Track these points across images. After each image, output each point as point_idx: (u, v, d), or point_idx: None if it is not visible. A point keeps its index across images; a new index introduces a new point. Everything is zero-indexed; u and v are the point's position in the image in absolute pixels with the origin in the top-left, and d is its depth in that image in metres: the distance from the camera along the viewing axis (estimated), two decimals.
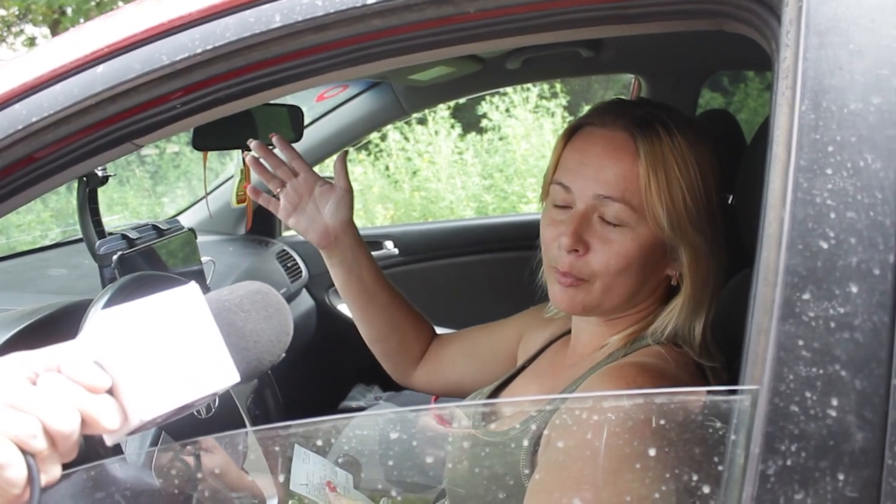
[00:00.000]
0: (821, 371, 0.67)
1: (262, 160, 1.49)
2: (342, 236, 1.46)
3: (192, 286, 0.75)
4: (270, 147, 1.52)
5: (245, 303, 0.84)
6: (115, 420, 0.69)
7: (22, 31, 10.95)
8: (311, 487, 1.21)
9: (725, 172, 1.17)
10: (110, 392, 0.69)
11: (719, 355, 1.13)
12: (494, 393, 1.36)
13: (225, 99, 0.94)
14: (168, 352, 0.71)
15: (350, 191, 1.47)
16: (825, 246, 0.68)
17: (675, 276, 1.16)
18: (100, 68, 0.91)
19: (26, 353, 0.69)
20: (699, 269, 1.12)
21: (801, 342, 0.67)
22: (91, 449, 1.09)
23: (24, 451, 0.65)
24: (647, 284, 1.16)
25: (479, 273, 3.00)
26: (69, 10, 9.74)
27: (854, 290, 0.67)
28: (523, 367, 1.37)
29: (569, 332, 1.33)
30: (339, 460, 1.31)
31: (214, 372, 0.74)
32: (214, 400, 1.50)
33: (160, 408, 0.70)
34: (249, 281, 0.89)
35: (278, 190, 1.48)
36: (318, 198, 1.46)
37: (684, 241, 1.11)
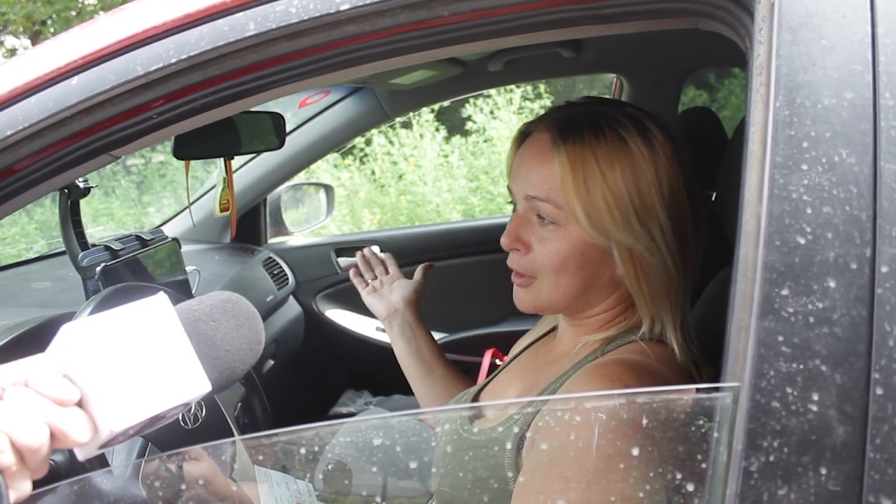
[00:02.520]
0: (801, 366, 0.67)
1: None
2: (404, 311, 1.67)
3: (161, 296, 0.75)
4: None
5: (215, 312, 0.84)
6: (84, 433, 0.68)
7: (2, 42, 10.90)
8: None
9: (691, 171, 1.16)
10: (80, 405, 0.69)
11: (699, 353, 1.13)
12: (478, 394, 1.36)
13: (202, 108, 0.94)
14: (137, 362, 0.71)
15: (421, 283, 1.71)
16: (802, 241, 0.69)
17: (620, 273, 1.15)
18: (74, 80, 0.90)
19: None
20: (635, 267, 1.12)
21: (780, 338, 0.68)
22: (78, 463, 1.08)
23: None
24: (596, 282, 1.16)
25: (467, 275, 3.00)
26: (50, 21, 9.70)
27: (832, 284, 0.68)
28: (506, 366, 1.38)
29: (552, 331, 1.35)
30: (329, 467, 1.30)
31: (185, 381, 0.73)
32: (201, 409, 1.49)
33: (130, 419, 0.70)
34: (219, 291, 0.89)
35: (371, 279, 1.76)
36: (395, 285, 1.71)
37: (609, 238, 1.11)
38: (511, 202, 1.23)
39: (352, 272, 1.79)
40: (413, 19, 0.85)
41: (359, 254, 1.80)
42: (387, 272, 1.76)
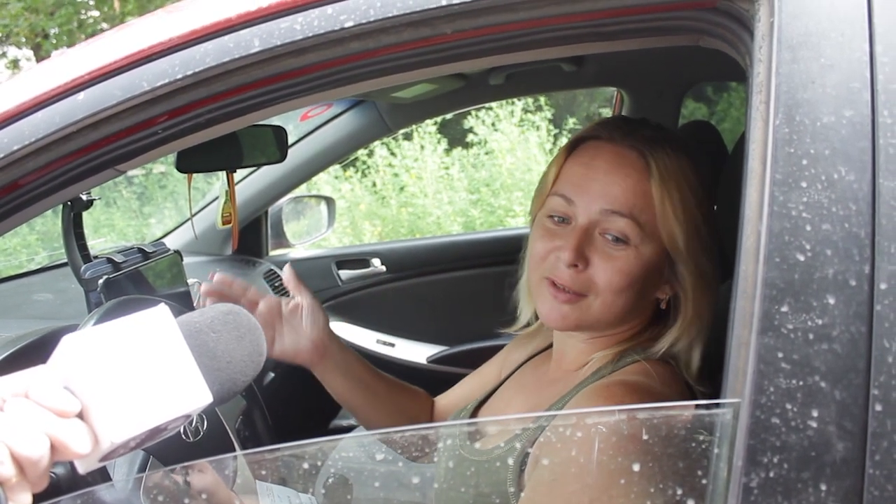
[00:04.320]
0: (801, 383, 0.68)
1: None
2: (329, 344, 1.41)
3: (162, 308, 0.75)
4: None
5: (216, 324, 0.84)
6: (85, 444, 0.68)
7: (4, 53, 10.94)
8: None
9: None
10: (80, 416, 0.69)
11: (708, 381, 1.13)
12: (477, 409, 1.36)
13: (206, 123, 0.95)
14: (138, 374, 0.71)
15: (314, 297, 1.42)
16: (802, 258, 0.69)
17: (665, 298, 1.16)
18: (81, 95, 0.91)
19: None
20: (701, 289, 1.12)
21: (780, 354, 0.68)
22: (80, 476, 1.09)
23: None
24: (640, 302, 1.15)
25: (467, 288, 3.00)
26: (52, 33, 9.73)
27: (831, 301, 0.68)
28: (504, 382, 1.37)
29: (550, 346, 1.33)
30: (329, 481, 1.30)
31: (186, 393, 0.73)
32: (203, 422, 1.49)
33: (131, 430, 0.70)
34: (221, 303, 0.89)
35: None
36: (288, 319, 1.39)
37: (692, 260, 1.11)
38: (555, 217, 1.15)
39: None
40: (417, 36, 0.86)
41: (204, 289, 1.41)
42: (255, 305, 1.37)
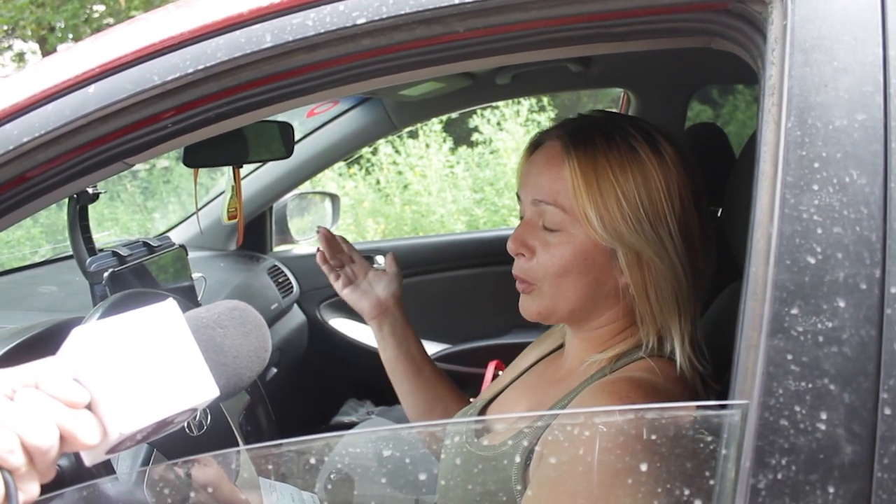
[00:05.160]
0: (810, 385, 0.68)
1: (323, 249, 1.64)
2: (393, 309, 1.60)
3: (170, 302, 0.75)
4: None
5: (223, 319, 0.85)
6: (94, 435, 0.68)
7: (10, 46, 10.94)
8: None
9: (701, 183, 1.17)
10: (89, 408, 0.69)
11: (706, 364, 1.13)
12: (485, 408, 1.36)
13: (216, 118, 0.95)
14: (146, 367, 0.71)
15: (400, 275, 1.62)
16: (812, 261, 0.69)
17: (627, 284, 1.15)
18: (91, 88, 0.91)
19: (4, 370, 0.69)
20: (643, 272, 1.13)
21: (789, 356, 0.68)
22: (84, 469, 1.09)
23: (0, 468, 0.65)
24: (599, 289, 1.17)
25: (470, 287, 3.00)
26: (58, 27, 9.74)
27: (841, 304, 0.68)
28: (512, 383, 1.38)
29: (559, 347, 1.35)
30: (332, 477, 1.30)
31: (194, 386, 0.74)
32: (207, 416, 1.50)
33: (139, 422, 0.70)
34: (227, 299, 0.90)
35: (337, 270, 1.63)
36: (371, 279, 1.61)
37: (620, 241, 1.12)
38: (520, 216, 1.24)
39: (319, 257, 1.64)
40: (429, 34, 0.86)
41: (319, 233, 1.65)
42: (351, 260, 1.63)
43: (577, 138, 1.15)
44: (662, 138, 1.15)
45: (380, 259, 2.96)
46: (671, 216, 1.12)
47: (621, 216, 1.10)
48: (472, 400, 1.60)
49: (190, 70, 0.89)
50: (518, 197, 1.24)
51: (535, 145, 1.23)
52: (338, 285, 1.61)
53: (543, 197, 1.16)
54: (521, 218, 1.23)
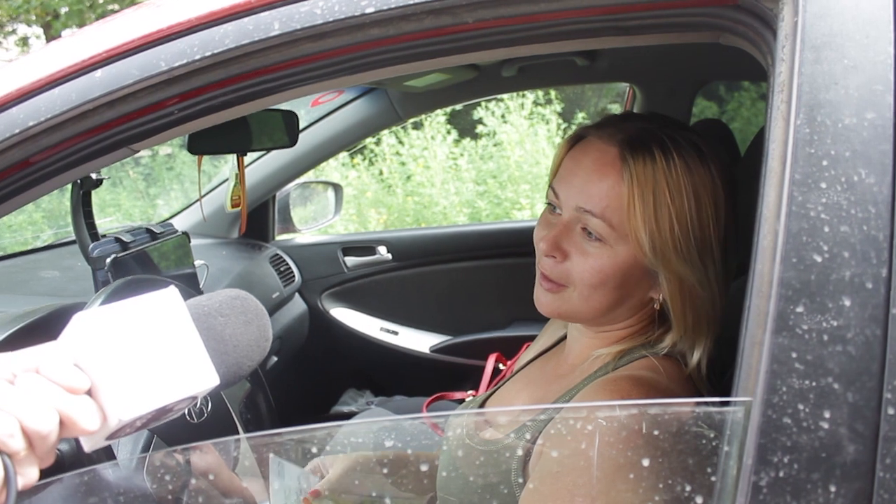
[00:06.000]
0: (813, 383, 0.67)
1: None
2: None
3: (172, 290, 0.75)
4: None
5: (224, 308, 0.85)
6: (93, 421, 0.69)
7: (14, 30, 10.92)
8: None
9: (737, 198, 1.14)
10: (89, 394, 0.69)
11: (712, 373, 1.13)
12: (485, 401, 1.36)
13: (222, 105, 0.94)
14: (147, 354, 0.71)
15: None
16: (819, 259, 0.69)
17: (658, 300, 1.14)
18: (98, 73, 0.91)
19: (4, 355, 0.69)
20: (683, 299, 1.10)
21: (794, 354, 0.68)
22: (84, 455, 1.09)
23: (0, 452, 0.65)
24: (627, 301, 1.14)
25: (471, 279, 3.00)
26: (63, 12, 9.72)
27: (847, 303, 0.68)
28: (513, 376, 1.38)
29: (559, 342, 1.34)
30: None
31: (194, 374, 0.74)
32: (207, 403, 1.50)
33: (139, 409, 0.70)
34: (228, 288, 0.90)
35: None
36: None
37: (666, 268, 1.09)
38: (550, 204, 1.19)
39: None
40: (437, 24, 0.86)
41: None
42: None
43: (635, 149, 1.08)
44: (710, 153, 1.11)
45: (382, 250, 2.96)
46: (716, 242, 1.09)
47: (672, 242, 1.06)
48: (473, 393, 1.58)
49: (197, 57, 0.88)
50: (553, 190, 1.17)
51: (578, 138, 1.17)
52: None
53: (591, 207, 1.10)
54: (547, 204, 1.19)
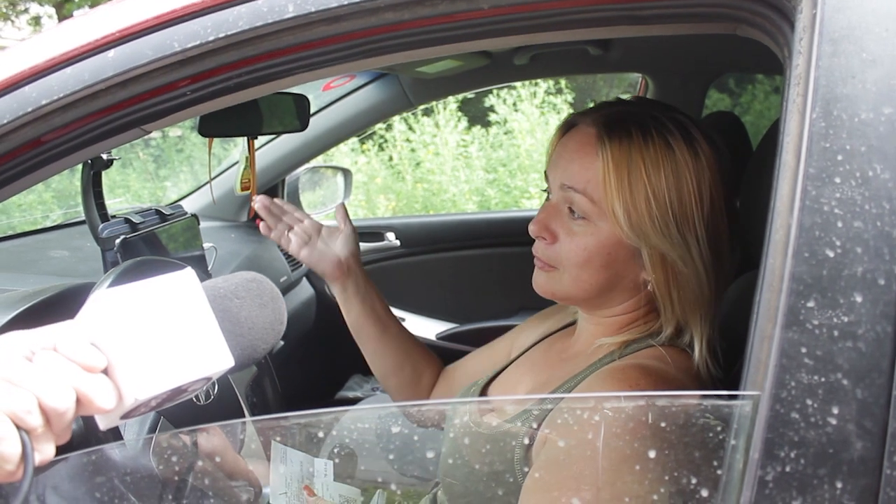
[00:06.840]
0: (822, 379, 0.67)
1: (269, 208, 1.60)
2: (354, 267, 1.55)
3: (189, 271, 0.76)
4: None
5: (240, 290, 0.85)
6: (109, 399, 0.69)
7: (27, 9, 10.93)
8: (290, 496, 1.22)
9: (733, 184, 1.15)
10: (106, 373, 0.70)
11: (718, 366, 1.13)
12: (488, 384, 1.37)
13: (235, 87, 0.94)
14: (164, 334, 0.72)
15: (355, 231, 1.58)
16: (831, 254, 0.68)
17: (650, 282, 1.14)
18: (111, 53, 0.91)
19: (23, 332, 0.70)
20: (667, 275, 1.11)
21: (803, 349, 0.68)
22: (91, 435, 1.10)
23: (18, 428, 0.65)
24: (619, 283, 1.16)
25: (479, 267, 3.00)
26: None
27: (858, 299, 0.68)
28: (516, 359, 1.38)
29: (564, 328, 1.35)
30: (335, 450, 1.31)
31: (209, 355, 0.75)
32: (214, 386, 1.50)
33: (154, 388, 0.71)
34: (244, 271, 0.90)
35: (288, 231, 1.58)
36: (325, 237, 1.57)
37: (647, 243, 1.10)
38: (545, 191, 1.23)
39: (261, 226, 1.59)
40: (452, 10, 0.85)
41: (258, 202, 1.58)
42: (300, 220, 1.58)
43: (612, 128, 1.12)
44: (700, 136, 1.13)
45: (390, 236, 2.96)
46: (700, 221, 1.10)
47: (649, 216, 1.09)
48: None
49: (211, 38, 0.88)
50: (546, 176, 1.23)
51: (569, 126, 1.21)
52: (293, 248, 1.55)
53: (573, 183, 1.14)
54: (548, 196, 1.22)
